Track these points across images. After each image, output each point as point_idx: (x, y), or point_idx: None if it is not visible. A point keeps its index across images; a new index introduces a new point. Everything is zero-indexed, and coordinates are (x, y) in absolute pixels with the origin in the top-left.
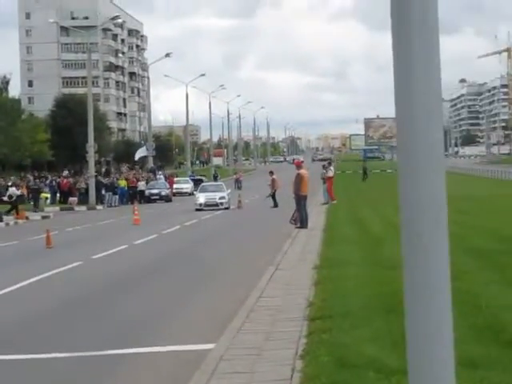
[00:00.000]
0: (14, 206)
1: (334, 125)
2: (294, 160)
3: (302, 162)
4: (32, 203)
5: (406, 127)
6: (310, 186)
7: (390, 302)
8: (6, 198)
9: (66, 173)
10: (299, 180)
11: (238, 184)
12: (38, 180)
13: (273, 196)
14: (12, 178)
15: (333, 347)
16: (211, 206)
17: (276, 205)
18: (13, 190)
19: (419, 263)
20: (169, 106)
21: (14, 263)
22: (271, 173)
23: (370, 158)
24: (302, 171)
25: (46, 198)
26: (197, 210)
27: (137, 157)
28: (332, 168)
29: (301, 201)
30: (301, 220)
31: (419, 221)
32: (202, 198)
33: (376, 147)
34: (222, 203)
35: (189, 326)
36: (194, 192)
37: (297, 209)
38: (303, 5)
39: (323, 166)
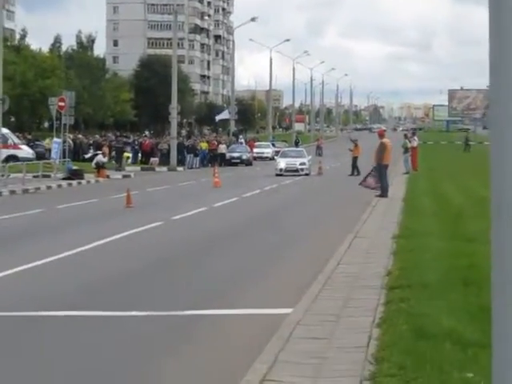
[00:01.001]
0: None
1: (416, 95)
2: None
3: (385, 130)
4: (114, 162)
5: (500, 100)
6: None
7: (467, 274)
8: (93, 165)
9: (146, 133)
10: (382, 149)
11: (318, 151)
12: (120, 139)
13: (354, 163)
14: (96, 136)
15: (410, 317)
16: (291, 171)
17: (356, 172)
18: (100, 158)
19: (508, 238)
20: (252, 70)
21: (95, 221)
22: (355, 141)
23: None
24: (385, 140)
25: (128, 158)
26: (277, 175)
27: (217, 119)
28: (416, 138)
29: (382, 170)
30: (382, 189)
31: (509, 194)
32: (282, 163)
33: (459, 119)
34: (302, 169)
35: (266, 291)
36: (275, 157)
37: (378, 178)
38: None
39: (405, 136)
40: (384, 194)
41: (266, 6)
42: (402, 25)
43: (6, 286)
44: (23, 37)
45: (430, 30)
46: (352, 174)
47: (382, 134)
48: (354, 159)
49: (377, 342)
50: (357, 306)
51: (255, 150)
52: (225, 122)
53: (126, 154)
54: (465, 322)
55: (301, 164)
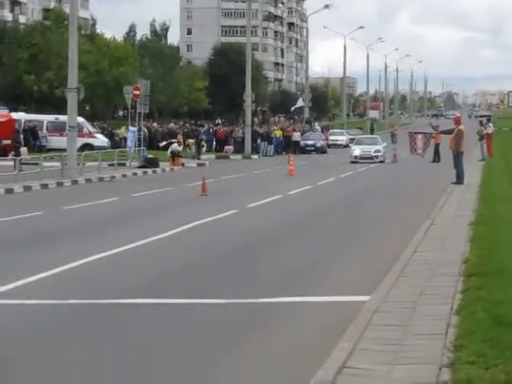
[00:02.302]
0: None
1: (491, 81)
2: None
3: (460, 117)
4: (189, 151)
5: None
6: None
7: None
8: (168, 154)
9: (218, 121)
10: (460, 136)
11: (393, 138)
12: (197, 128)
13: (436, 149)
14: (171, 124)
15: (489, 304)
16: (366, 158)
17: (437, 159)
18: (175, 146)
19: None
20: (325, 57)
21: (170, 209)
22: (437, 127)
23: None
24: (462, 127)
25: (202, 146)
26: (351, 162)
27: (293, 109)
28: (491, 125)
29: (459, 156)
30: (458, 176)
31: None
32: (357, 150)
33: None
34: (377, 156)
35: (343, 278)
36: (350, 144)
37: (454, 164)
38: None
39: (481, 123)
40: (460, 180)
41: None
42: (474, 10)
43: (83, 274)
44: (93, 24)
45: (502, 14)
46: (434, 161)
47: (458, 121)
48: (437, 146)
49: (455, 329)
50: (434, 293)
51: (330, 138)
52: (299, 109)
53: (191, 141)
54: None
55: (376, 151)
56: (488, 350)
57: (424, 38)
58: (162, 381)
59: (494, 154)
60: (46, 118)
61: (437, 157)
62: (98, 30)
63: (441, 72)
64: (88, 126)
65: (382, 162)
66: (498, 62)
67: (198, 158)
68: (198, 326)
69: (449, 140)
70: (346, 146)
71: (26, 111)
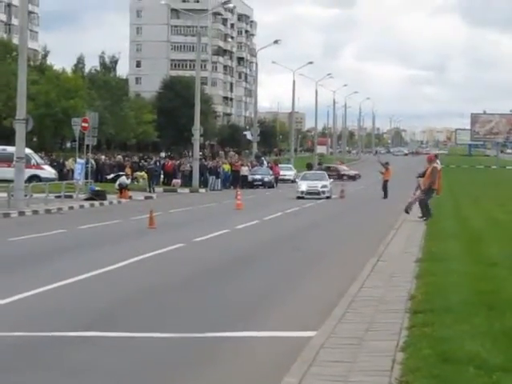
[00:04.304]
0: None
1: (437, 118)
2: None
3: (434, 155)
4: (138, 183)
5: None
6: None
7: (491, 298)
8: (116, 186)
9: (162, 154)
10: (435, 173)
11: None
12: (146, 161)
13: (384, 186)
14: (119, 157)
15: (434, 341)
16: (313, 194)
17: (386, 196)
18: (123, 179)
19: None
20: (274, 92)
21: (117, 242)
22: (386, 164)
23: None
24: (437, 165)
25: (143, 178)
26: (298, 197)
27: (248, 136)
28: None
29: (430, 194)
30: (428, 212)
31: None
32: (303, 185)
33: (481, 143)
34: (323, 192)
35: (290, 313)
36: (297, 180)
37: (420, 200)
38: None
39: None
40: (428, 216)
41: (286, 29)
42: (420, 48)
43: (29, 306)
44: (45, 56)
45: (448, 53)
46: (385, 197)
47: (431, 159)
48: (385, 182)
49: (401, 366)
50: (380, 329)
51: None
52: (248, 143)
53: (139, 174)
54: (488, 347)
55: (322, 187)
56: None
57: (372, 74)
58: None
59: (441, 191)
60: None
61: (384, 193)
62: (48, 62)
63: (388, 108)
64: (36, 158)
65: (328, 197)
66: (443, 100)
67: (152, 191)
68: (140, 362)
69: (422, 180)
70: (294, 181)
71: None
